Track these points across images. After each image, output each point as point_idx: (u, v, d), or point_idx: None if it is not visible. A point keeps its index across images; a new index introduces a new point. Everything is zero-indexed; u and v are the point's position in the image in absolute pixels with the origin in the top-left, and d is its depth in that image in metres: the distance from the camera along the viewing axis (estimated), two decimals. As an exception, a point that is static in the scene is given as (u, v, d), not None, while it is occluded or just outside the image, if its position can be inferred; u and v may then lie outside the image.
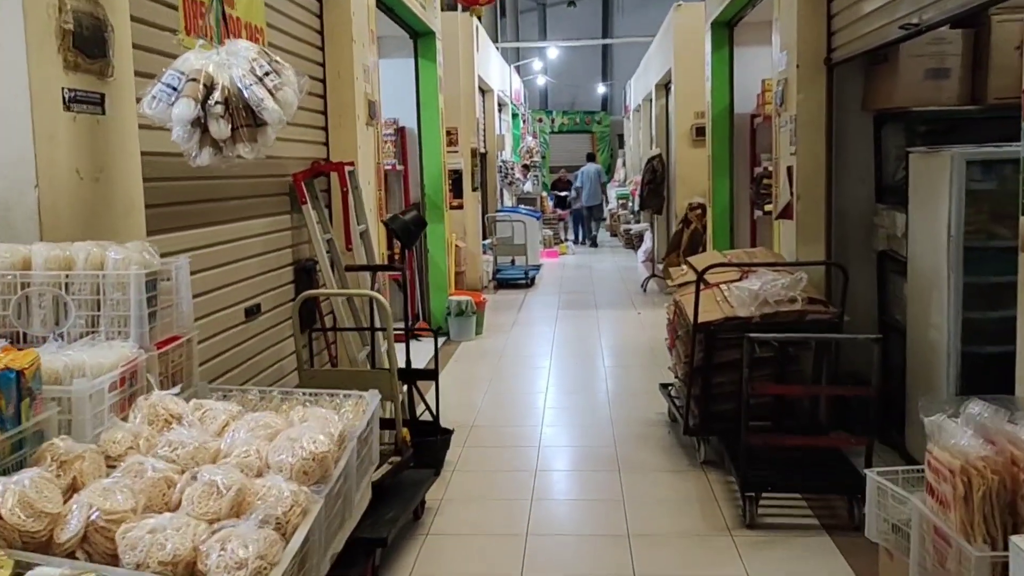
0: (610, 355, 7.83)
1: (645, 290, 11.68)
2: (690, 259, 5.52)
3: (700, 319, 4.63)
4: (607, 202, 20.69)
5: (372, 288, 4.87)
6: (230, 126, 2.38)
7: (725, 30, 8.29)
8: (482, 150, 14.11)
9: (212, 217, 3.79)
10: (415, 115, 8.59)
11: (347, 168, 4.95)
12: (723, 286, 4.89)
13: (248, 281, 4.12)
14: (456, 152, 11.41)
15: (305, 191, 4.62)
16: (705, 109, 11.33)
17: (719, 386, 4.81)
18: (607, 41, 22.25)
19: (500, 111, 16.92)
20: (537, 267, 13.77)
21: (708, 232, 8.64)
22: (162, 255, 3.27)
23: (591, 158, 21.55)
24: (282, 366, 4.47)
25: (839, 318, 4.63)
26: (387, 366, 4.21)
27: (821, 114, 5.21)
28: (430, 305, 8.82)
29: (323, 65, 5.28)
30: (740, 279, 4.89)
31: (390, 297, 8.84)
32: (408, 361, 5.30)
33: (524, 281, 12.38)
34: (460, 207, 11.56)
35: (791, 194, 5.39)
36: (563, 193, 20.59)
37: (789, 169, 5.40)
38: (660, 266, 12.34)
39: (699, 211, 11.01)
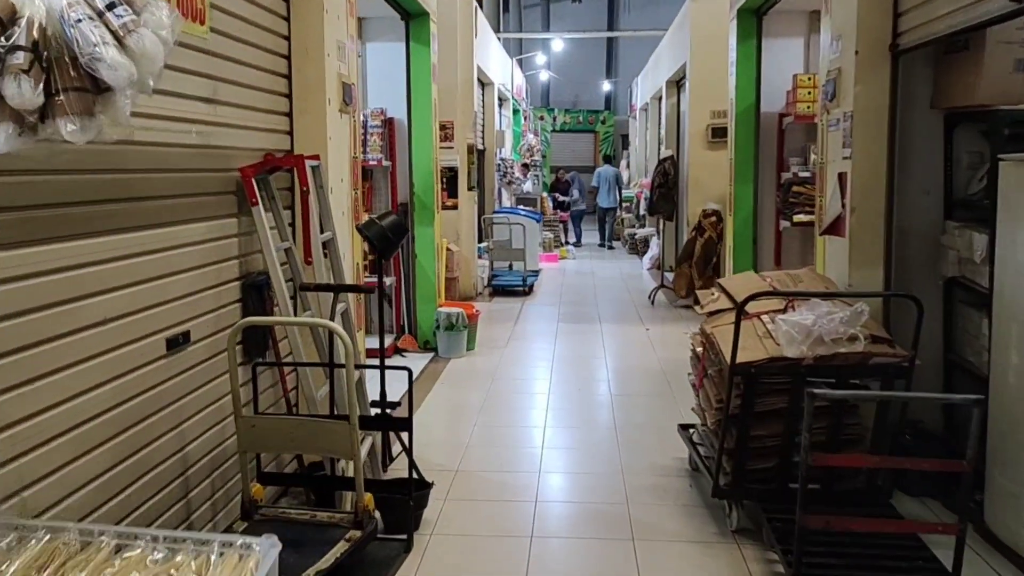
0: (617, 381, 6.96)
1: (653, 302, 10.81)
2: (723, 282, 4.64)
3: (739, 358, 3.76)
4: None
5: (334, 311, 3.98)
6: (42, 89, 1.51)
7: (753, 19, 7.43)
8: (480, 146, 13.23)
9: (120, 222, 2.91)
10: (405, 105, 7.71)
11: (308, 162, 4.06)
12: (765, 317, 4.02)
13: (174, 303, 3.24)
14: (451, 148, 10.55)
15: (256, 189, 3.74)
16: (725, 107, 10.51)
17: (758, 440, 3.94)
18: (613, 34, 21.39)
19: (500, 106, 16.04)
20: (536, 273, 12.89)
21: (727, 244, 7.78)
22: (23, 276, 2.40)
23: (608, 160, 20.93)
24: (221, 408, 3.60)
25: (910, 362, 3.77)
26: (356, 403, 3.32)
27: (883, 111, 4.34)
28: (417, 317, 7.94)
29: (288, 38, 4.40)
30: (785, 309, 4.03)
31: (369, 309, 7.97)
32: (382, 395, 4.44)
33: (522, 288, 11.51)
34: (454, 207, 10.70)
35: (842, 206, 4.53)
36: (563, 198, 19.68)
37: (841, 176, 4.54)
38: (669, 276, 11.46)
39: (714, 218, 10.16)
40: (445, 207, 10.58)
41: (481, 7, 14.31)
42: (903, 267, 4.49)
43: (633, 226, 18.63)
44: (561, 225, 18.68)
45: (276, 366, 4.09)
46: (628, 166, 22.95)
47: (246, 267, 3.89)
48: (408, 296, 7.91)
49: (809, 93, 7.10)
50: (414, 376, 6.87)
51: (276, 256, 3.80)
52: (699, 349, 4.62)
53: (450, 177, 10.67)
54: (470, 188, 11.03)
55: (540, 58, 23.84)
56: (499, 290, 11.64)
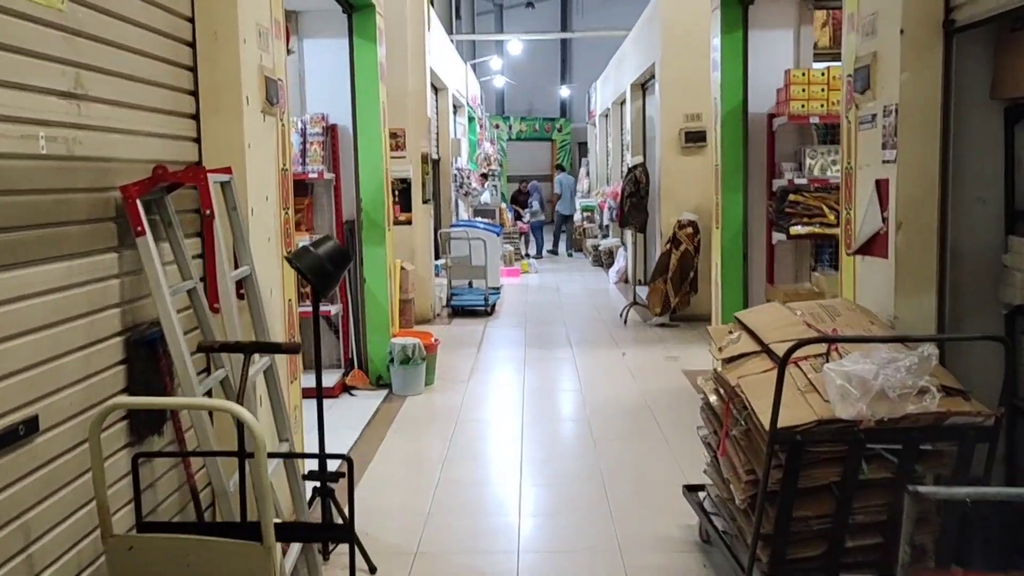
0: (598, 420, 6.09)
1: (625, 321, 9.98)
2: (744, 317, 3.81)
3: (781, 422, 2.91)
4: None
5: (245, 374, 3.02)
6: None
7: (739, 9, 6.64)
8: (434, 156, 12.32)
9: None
10: (350, 110, 6.78)
11: (214, 177, 3.12)
12: (805, 364, 3.18)
13: (10, 380, 2.29)
14: (403, 158, 9.65)
15: (142, 214, 2.80)
16: (699, 110, 9.77)
17: (802, 522, 3.10)
18: (568, 35, 20.61)
19: (455, 113, 15.16)
20: (497, 290, 12.00)
21: (715, 259, 6.98)
22: None
23: (562, 169, 20.40)
24: (91, 520, 2.63)
25: (997, 422, 2.95)
26: (272, 515, 2.38)
27: (934, 103, 3.53)
28: (367, 349, 6.99)
29: (192, 20, 3.46)
30: (829, 352, 3.19)
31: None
32: (322, 466, 3.52)
33: (484, 309, 10.61)
34: (408, 222, 9.79)
35: (883, 220, 3.71)
36: (523, 211, 18.92)
37: (880, 184, 3.73)
38: (643, 292, 10.64)
39: (690, 230, 9.39)
40: (398, 222, 9.66)
41: (432, 7, 13.42)
42: (955, 294, 3.69)
43: (596, 236, 17.86)
44: (521, 237, 17.83)
45: (165, 456, 3.10)
46: (587, 174, 22.22)
47: (132, 317, 2.94)
48: (357, 326, 6.97)
49: (803, 91, 6.33)
50: (364, 419, 5.98)
51: (171, 301, 2.85)
52: (713, 399, 3.77)
53: (403, 189, 9.77)
54: (425, 201, 10.12)
55: (495, 62, 23.00)
56: (459, 311, 10.73)
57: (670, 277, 9.46)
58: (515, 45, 22.61)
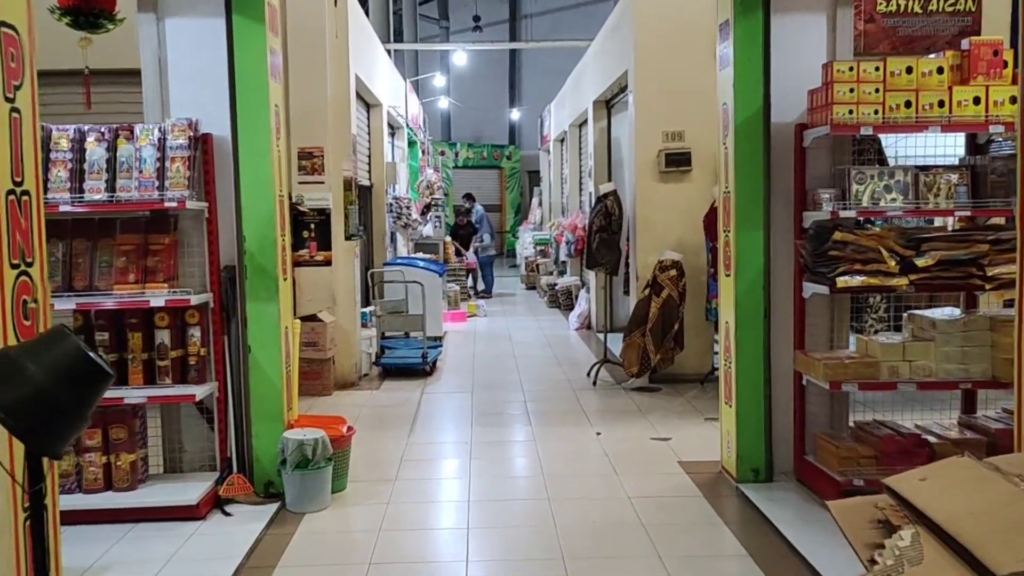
0: (576, 549, 4.23)
1: (595, 383, 8.17)
2: (911, 493, 1.98)
3: None
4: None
5: None
6: None
7: (756, -14, 4.95)
8: (365, 182, 10.46)
9: None
10: (228, 115, 4.91)
11: None
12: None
13: None
14: (321, 183, 7.83)
15: None
16: (682, 128, 8.11)
17: None
18: (519, 45, 18.90)
19: (394, 136, 13.34)
20: (439, 341, 10.12)
21: (726, 319, 5.23)
22: None
23: (472, 198, 18.23)
24: None
25: None
26: None
27: None
28: (253, 445, 5.05)
29: None
30: None
31: (184, 430, 5.08)
32: None
33: (422, 367, 8.71)
34: (327, 263, 7.92)
35: None
36: (475, 243, 16.87)
37: None
38: (611, 339, 8.83)
39: (674, 272, 7.66)
40: (313, 262, 7.77)
41: (367, 15, 11.62)
42: None
43: (551, 273, 16.11)
44: (469, 274, 15.98)
45: None
46: (540, 205, 20.55)
47: None
48: (239, 413, 5.03)
49: (852, 91, 4.64)
50: (232, 561, 4.05)
51: None
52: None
53: (320, 222, 7.90)
54: (349, 237, 8.23)
55: (439, 80, 21.25)
56: (391, 371, 8.81)
57: (649, 329, 7.70)
58: (460, 56, 20.84)
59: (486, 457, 5.90)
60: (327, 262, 7.98)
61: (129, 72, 5.65)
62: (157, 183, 4.73)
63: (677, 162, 8.11)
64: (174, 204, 4.61)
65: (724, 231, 5.25)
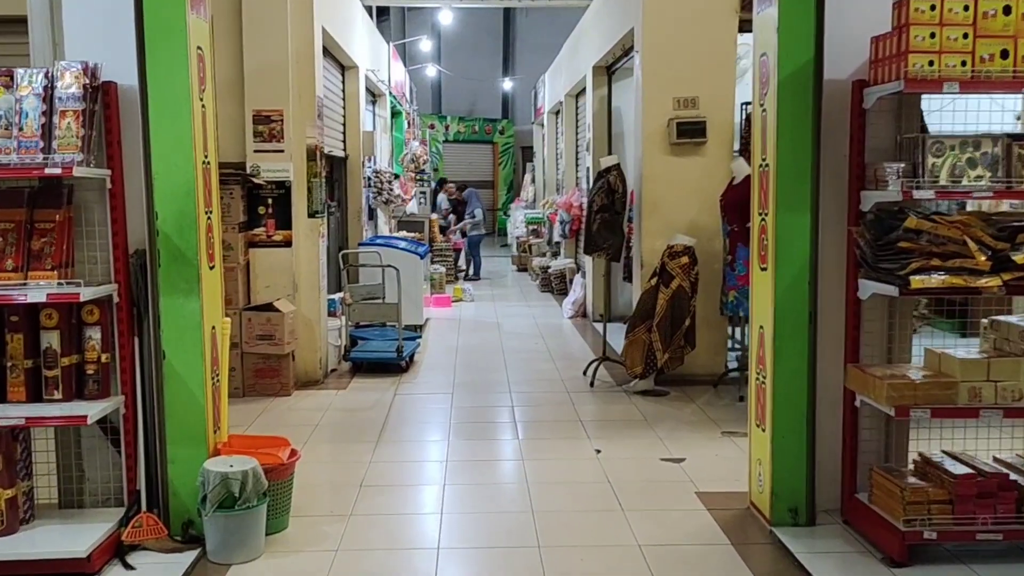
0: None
1: (593, 384, 7.17)
2: None
3: None
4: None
5: None
6: None
7: (807, -97, 3.91)
8: (339, 152, 9.41)
9: None
10: (136, 62, 3.86)
11: None
12: None
13: None
14: (280, 152, 6.79)
15: None
16: (695, 93, 7.09)
17: None
18: (510, 2, 17.65)
19: (375, 104, 12.25)
20: (418, 333, 9.10)
21: (763, 324, 4.22)
22: None
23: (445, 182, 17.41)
24: None
25: None
26: None
27: None
28: (168, 475, 4.04)
29: None
30: None
31: (85, 454, 4.06)
32: None
33: (397, 362, 7.69)
34: (287, 243, 6.92)
35: None
36: (464, 222, 15.84)
37: None
38: (610, 330, 7.82)
39: (685, 259, 6.66)
40: (271, 243, 6.76)
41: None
42: None
43: (544, 255, 15.10)
44: (454, 254, 14.93)
45: None
46: (533, 181, 19.50)
47: None
48: (150, 435, 4.00)
49: (932, 36, 3.61)
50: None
51: None
52: None
53: (279, 196, 6.87)
54: (313, 213, 7.18)
55: (426, 44, 20.04)
56: (361, 366, 7.79)
57: (656, 324, 6.70)
58: (447, 16, 19.57)
59: (463, 483, 4.90)
60: (287, 242, 6.96)
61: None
62: (42, 144, 3.68)
63: (690, 133, 7.07)
64: (57, 171, 3.57)
65: (760, 213, 4.23)
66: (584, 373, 7.42)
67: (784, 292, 4.07)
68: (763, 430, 4.22)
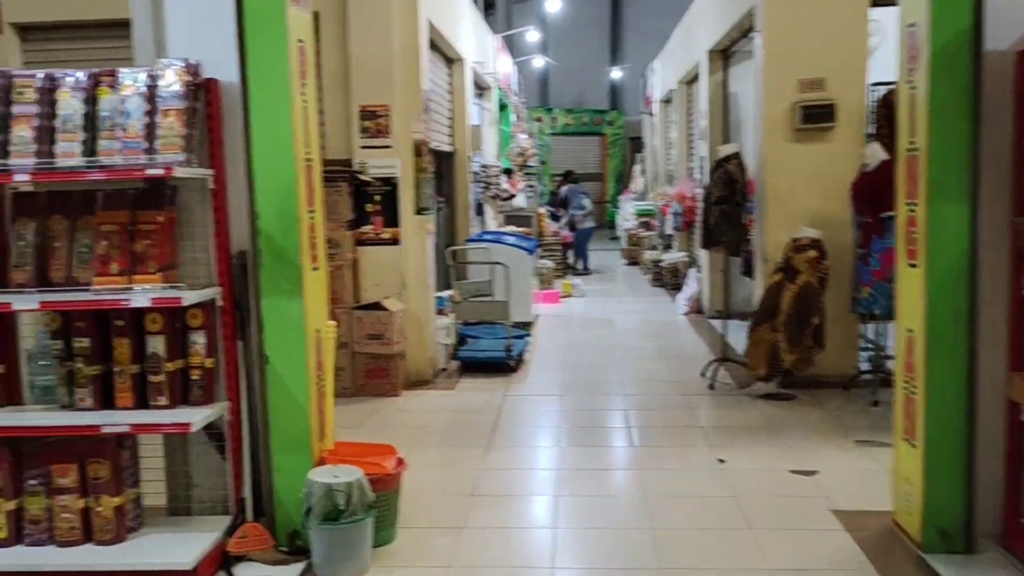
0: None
1: (712, 386, 6.78)
2: None
3: None
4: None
5: None
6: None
7: None
8: (446, 147, 9.28)
9: None
10: (236, 54, 3.74)
11: None
12: None
13: None
14: (387, 148, 6.66)
15: None
16: (823, 74, 6.61)
17: None
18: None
19: (481, 96, 12.09)
20: (526, 331, 8.88)
21: (913, 327, 3.78)
22: None
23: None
24: None
25: None
26: None
27: None
28: (273, 483, 3.92)
29: None
30: None
31: (192, 460, 4.00)
32: None
33: (506, 361, 7.48)
34: (394, 241, 6.79)
35: None
36: (570, 213, 15.52)
37: None
38: (731, 327, 7.40)
39: (813, 253, 6.19)
40: (379, 241, 6.64)
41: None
42: None
43: (655, 248, 14.66)
44: (562, 249, 14.65)
45: None
46: (643, 173, 19.03)
47: None
48: (255, 442, 3.89)
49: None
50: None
51: None
52: None
53: (386, 193, 6.75)
54: (420, 210, 7.04)
55: (532, 35, 19.78)
56: (470, 365, 7.61)
57: (781, 323, 6.26)
58: (554, 3, 19.29)
59: (577, 494, 4.63)
60: (395, 240, 6.84)
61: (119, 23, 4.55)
62: (145, 144, 3.59)
63: (816, 117, 6.58)
64: (159, 171, 3.47)
65: (907, 204, 3.79)
66: (702, 374, 7.03)
67: (936, 291, 3.63)
68: (913, 446, 3.78)
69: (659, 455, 5.22)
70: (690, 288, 10.54)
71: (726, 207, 6.69)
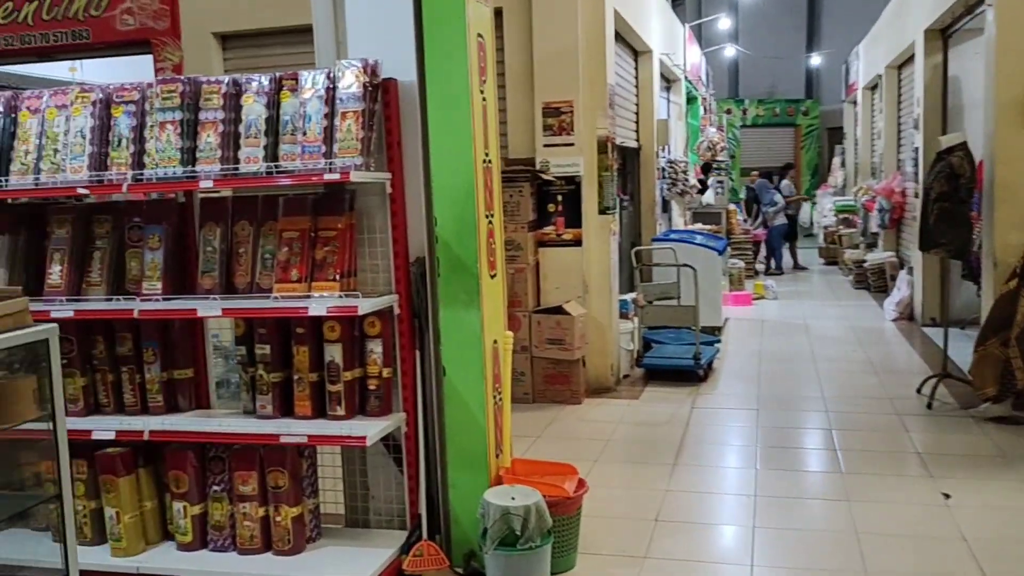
0: None
1: (930, 405, 6.06)
2: None
3: None
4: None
5: None
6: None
7: None
8: (631, 143, 8.92)
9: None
10: (415, 56, 3.59)
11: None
12: None
13: None
14: (570, 146, 6.41)
15: None
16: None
17: None
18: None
19: (669, 90, 11.63)
20: (716, 336, 8.36)
21: None
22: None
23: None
24: None
25: None
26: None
27: None
28: (449, 499, 3.75)
29: None
30: None
31: (370, 471, 3.90)
32: None
33: (694, 370, 7.04)
34: (576, 242, 6.54)
35: None
36: (764, 210, 14.68)
37: None
38: (951, 339, 6.62)
39: (1056, 258, 5.35)
40: (561, 242, 6.42)
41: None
42: None
43: (857, 247, 13.62)
44: (753, 247, 13.88)
45: None
46: (843, 165, 17.81)
47: None
48: (431, 457, 3.74)
49: None
50: None
51: None
52: None
53: (569, 193, 6.52)
54: (604, 210, 6.75)
55: (724, 23, 18.96)
56: (655, 372, 7.23)
57: (1015, 337, 5.49)
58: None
59: (775, 526, 4.18)
60: (577, 241, 6.58)
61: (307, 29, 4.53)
62: (324, 148, 3.51)
63: (1062, 101, 5.72)
64: (336, 176, 3.36)
65: None
66: (918, 391, 6.31)
67: None
68: None
69: (870, 484, 4.65)
70: (900, 292, 9.63)
71: (947, 205, 5.94)
